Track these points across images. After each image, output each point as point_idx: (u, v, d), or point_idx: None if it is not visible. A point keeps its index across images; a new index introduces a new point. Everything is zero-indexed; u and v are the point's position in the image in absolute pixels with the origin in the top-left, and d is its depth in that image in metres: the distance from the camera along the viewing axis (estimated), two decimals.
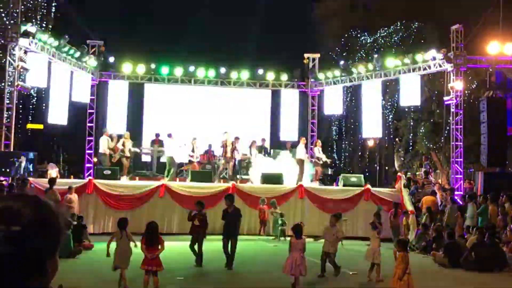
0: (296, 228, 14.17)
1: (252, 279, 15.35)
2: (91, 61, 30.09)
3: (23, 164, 23.19)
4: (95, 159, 31.47)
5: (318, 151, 28.55)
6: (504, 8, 28.91)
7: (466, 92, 31.16)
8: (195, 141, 28.36)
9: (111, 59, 31.58)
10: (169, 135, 28.26)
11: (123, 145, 27.20)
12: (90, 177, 25.67)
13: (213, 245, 17.34)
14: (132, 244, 13.24)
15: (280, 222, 23.50)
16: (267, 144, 30.39)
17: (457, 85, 27.69)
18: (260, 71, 33.19)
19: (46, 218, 2.20)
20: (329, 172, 37.56)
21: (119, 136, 28.21)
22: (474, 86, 35.34)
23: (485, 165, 26.80)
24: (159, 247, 12.73)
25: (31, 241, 2.11)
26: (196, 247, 16.32)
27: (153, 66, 32.02)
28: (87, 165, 30.77)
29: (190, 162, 28.09)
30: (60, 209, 2.16)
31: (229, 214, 16.44)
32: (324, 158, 28.71)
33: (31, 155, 24.47)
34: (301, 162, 27.46)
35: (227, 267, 15.96)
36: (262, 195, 24.87)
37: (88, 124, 31.10)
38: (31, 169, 23.97)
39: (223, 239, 16.21)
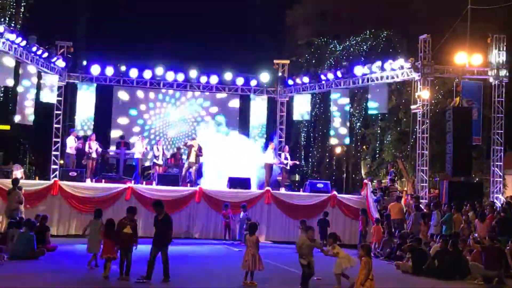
0: (250, 226, 14.91)
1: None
2: (59, 62, 29.82)
3: None
4: (61, 161, 31.18)
5: (284, 156, 28.58)
6: (471, 19, 29.28)
7: (432, 101, 31.46)
8: (159, 144, 28.40)
9: (80, 61, 31.32)
10: (142, 138, 28.28)
11: (90, 147, 26.98)
12: (55, 179, 25.41)
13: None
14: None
15: (245, 227, 23.41)
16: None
17: (424, 94, 27.93)
18: (230, 76, 33.16)
19: None
20: (296, 178, 37.71)
21: (85, 138, 28.04)
22: (441, 95, 35.70)
23: (450, 174, 27.06)
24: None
25: None
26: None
27: (122, 68, 31.80)
28: (53, 166, 30.43)
29: (155, 164, 28.06)
30: None
31: (159, 221, 14.85)
32: (290, 162, 28.72)
33: None
34: (268, 167, 27.56)
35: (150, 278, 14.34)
36: (229, 200, 24.87)
37: (55, 125, 30.73)
38: None
39: (151, 248, 14.59)
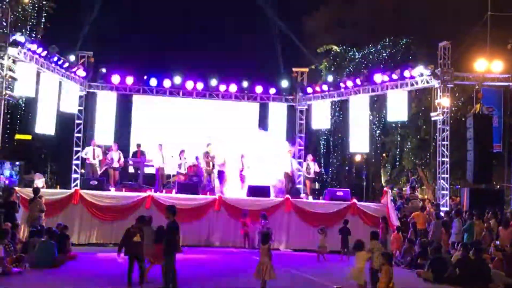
0: (263, 234, 14.82)
1: None
2: (80, 72, 30.04)
3: None
4: (82, 170, 31.37)
5: (307, 165, 28.49)
6: (491, 25, 29.14)
7: (453, 108, 31.30)
8: (183, 153, 28.40)
9: (100, 70, 31.55)
10: (160, 147, 28.32)
11: (111, 156, 27.17)
12: (76, 187, 25.56)
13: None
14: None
15: None
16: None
17: (444, 101, 27.83)
18: (249, 85, 33.25)
19: None
20: (316, 186, 37.63)
21: (107, 147, 28.19)
22: (461, 102, 35.52)
23: (471, 181, 26.88)
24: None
25: None
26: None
27: (141, 77, 32.01)
28: (74, 175, 30.62)
29: (178, 173, 28.12)
30: None
31: (166, 228, 14.27)
32: (316, 169, 28.69)
33: (13, 164, 24.38)
34: (287, 175, 27.55)
35: None
36: (248, 208, 24.85)
37: (76, 135, 30.94)
38: (12, 176, 23.77)
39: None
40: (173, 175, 29.59)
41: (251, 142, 28.51)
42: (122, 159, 27.73)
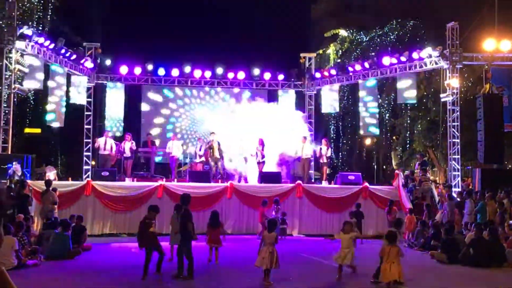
0: (270, 222, 14.32)
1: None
2: (88, 63, 30.04)
3: (18, 171, 23.10)
4: (93, 162, 31.44)
5: (325, 150, 28.43)
6: (499, 5, 28.95)
7: (462, 89, 31.16)
8: (200, 141, 28.61)
9: (108, 62, 31.49)
10: (175, 135, 28.31)
11: (125, 146, 27.29)
12: (88, 179, 25.65)
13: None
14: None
15: (280, 221, 23.30)
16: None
17: (453, 82, 27.71)
18: (257, 71, 33.15)
19: None
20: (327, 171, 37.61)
21: (119, 138, 28.31)
22: (470, 83, 35.37)
23: (482, 161, 26.81)
24: (220, 229, 17.16)
25: None
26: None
27: (149, 67, 31.95)
28: (85, 167, 30.68)
29: (196, 163, 28.31)
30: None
31: (181, 216, 14.55)
32: (328, 153, 28.65)
33: (27, 158, 24.40)
34: (305, 161, 27.68)
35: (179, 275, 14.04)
36: (260, 195, 24.82)
37: (86, 126, 30.99)
38: (26, 173, 23.78)
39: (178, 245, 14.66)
40: (185, 164, 29.70)
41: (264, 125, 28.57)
42: (134, 148, 27.76)
